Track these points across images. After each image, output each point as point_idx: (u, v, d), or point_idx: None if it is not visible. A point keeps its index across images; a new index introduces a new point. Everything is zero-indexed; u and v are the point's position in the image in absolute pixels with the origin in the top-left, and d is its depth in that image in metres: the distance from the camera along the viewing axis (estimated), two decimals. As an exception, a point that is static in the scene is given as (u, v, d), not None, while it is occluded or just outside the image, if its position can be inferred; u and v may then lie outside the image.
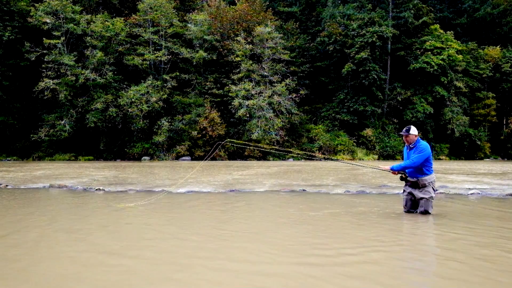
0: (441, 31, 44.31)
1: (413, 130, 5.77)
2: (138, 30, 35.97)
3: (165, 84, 35.67)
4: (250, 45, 37.26)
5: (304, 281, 2.94)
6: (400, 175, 5.96)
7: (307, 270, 3.20)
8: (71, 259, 3.53)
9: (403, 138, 5.84)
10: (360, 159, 36.70)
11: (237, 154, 35.92)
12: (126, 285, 2.88)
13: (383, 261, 3.47)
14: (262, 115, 34.93)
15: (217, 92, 37.24)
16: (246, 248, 3.95)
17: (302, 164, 26.61)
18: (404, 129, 5.84)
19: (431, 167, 5.74)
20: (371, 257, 3.59)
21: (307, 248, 3.94)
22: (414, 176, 5.74)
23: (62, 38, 33.31)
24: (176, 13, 38.51)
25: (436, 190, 8.94)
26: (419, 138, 5.86)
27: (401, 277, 3.08)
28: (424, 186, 5.67)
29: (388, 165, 6.10)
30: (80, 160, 32.59)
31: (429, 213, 5.73)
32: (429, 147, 5.75)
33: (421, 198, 5.72)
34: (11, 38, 32.88)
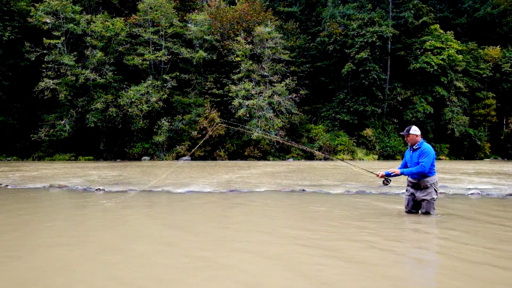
0: (441, 31, 44.31)
1: (414, 130, 5.72)
2: (138, 30, 35.96)
3: (165, 84, 35.67)
4: (250, 45, 37.25)
5: (300, 282, 2.94)
6: (383, 179, 5.99)
7: (305, 270, 3.20)
8: (69, 259, 3.53)
9: (405, 138, 5.83)
10: (360, 159, 36.71)
11: (237, 154, 35.93)
12: (114, 279, 2.89)
13: (382, 262, 3.47)
14: (262, 115, 34.92)
15: (217, 92, 37.23)
16: (242, 256, 3.94)
17: (302, 164, 26.60)
18: (405, 129, 5.83)
19: (434, 169, 5.68)
20: (370, 258, 3.59)
21: (304, 248, 3.93)
22: (415, 177, 5.71)
23: (62, 38, 33.31)
24: (176, 13, 38.49)
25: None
26: (423, 140, 5.82)
27: (400, 278, 3.08)
28: (426, 187, 5.63)
29: (392, 167, 6.08)
30: (80, 160, 32.58)
31: (431, 215, 5.69)
32: (432, 149, 5.73)
33: (423, 200, 5.68)
34: (11, 38, 32.87)
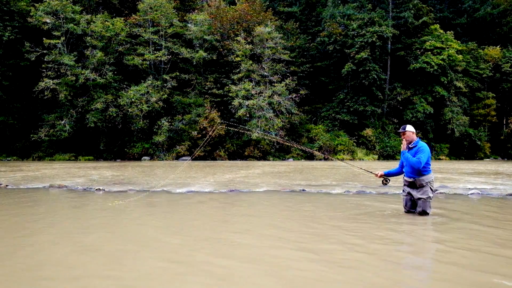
0: (441, 31, 44.33)
1: (410, 127, 5.81)
2: (138, 30, 35.98)
3: (165, 84, 35.68)
4: (250, 45, 37.26)
5: (298, 282, 2.94)
6: (382, 179, 6.05)
7: (302, 270, 3.20)
8: (70, 263, 3.53)
9: (401, 136, 5.87)
10: (360, 159, 36.71)
11: (237, 154, 35.93)
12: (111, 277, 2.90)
13: (380, 262, 3.47)
14: (262, 115, 34.93)
15: (217, 92, 37.25)
16: (240, 257, 3.93)
17: (302, 164, 26.60)
18: (401, 127, 5.88)
19: (429, 168, 5.71)
20: (367, 258, 3.59)
21: (303, 249, 3.93)
22: (411, 176, 5.74)
23: (62, 38, 33.32)
24: (176, 13, 38.52)
25: (436, 190, 8.96)
26: (419, 139, 5.87)
27: (397, 278, 3.08)
28: (422, 186, 5.65)
29: (392, 167, 6.11)
30: (80, 160, 32.58)
31: (427, 213, 5.72)
32: (428, 147, 5.77)
33: (419, 199, 5.71)
34: (11, 38, 32.89)
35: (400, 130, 5.85)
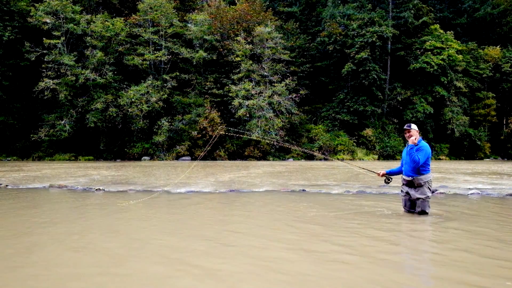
0: (441, 31, 44.33)
1: (414, 126, 5.84)
2: (138, 30, 35.99)
3: (165, 84, 35.68)
4: (250, 45, 37.26)
5: (298, 281, 2.94)
6: (385, 178, 6.07)
7: (301, 272, 3.20)
8: (70, 264, 3.53)
9: (406, 133, 5.85)
10: (360, 159, 36.70)
11: (237, 154, 35.92)
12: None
13: (379, 262, 3.46)
14: (262, 115, 34.93)
15: (217, 92, 37.24)
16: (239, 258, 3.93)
17: (302, 164, 26.60)
18: (406, 124, 5.87)
19: (429, 167, 5.72)
20: (366, 258, 3.58)
21: (303, 249, 3.93)
22: (410, 175, 5.74)
23: (62, 38, 33.33)
24: (176, 13, 38.53)
25: (436, 190, 8.97)
26: (421, 139, 5.87)
27: (396, 278, 3.07)
28: (420, 185, 5.66)
29: (392, 167, 6.11)
30: (80, 160, 32.58)
31: (427, 213, 5.73)
32: (429, 147, 5.77)
33: (418, 199, 5.72)
34: (11, 38, 32.90)
35: (406, 127, 5.86)
